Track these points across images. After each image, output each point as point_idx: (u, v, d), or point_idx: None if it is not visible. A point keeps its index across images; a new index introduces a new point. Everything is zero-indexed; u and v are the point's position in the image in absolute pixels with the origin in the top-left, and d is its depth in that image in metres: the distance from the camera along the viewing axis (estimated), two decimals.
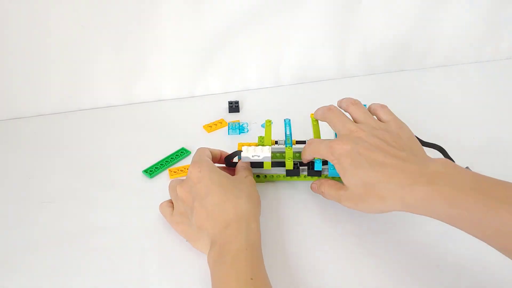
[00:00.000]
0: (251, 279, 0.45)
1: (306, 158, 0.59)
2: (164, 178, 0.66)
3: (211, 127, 0.76)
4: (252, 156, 0.58)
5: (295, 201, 0.61)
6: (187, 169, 0.65)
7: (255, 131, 0.75)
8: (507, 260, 0.51)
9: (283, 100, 0.84)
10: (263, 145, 0.61)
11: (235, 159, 0.62)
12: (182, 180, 0.56)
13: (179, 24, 0.78)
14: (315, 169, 0.60)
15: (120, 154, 0.71)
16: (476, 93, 0.85)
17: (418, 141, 0.54)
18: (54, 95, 0.79)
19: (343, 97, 0.61)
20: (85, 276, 0.52)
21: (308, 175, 0.62)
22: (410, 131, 0.55)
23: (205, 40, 0.80)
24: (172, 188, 0.58)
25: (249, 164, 0.61)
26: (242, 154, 0.59)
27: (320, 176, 0.61)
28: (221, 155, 0.62)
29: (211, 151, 0.60)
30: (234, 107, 0.80)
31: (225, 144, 0.73)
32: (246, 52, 0.83)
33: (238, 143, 0.66)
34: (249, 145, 0.63)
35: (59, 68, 0.77)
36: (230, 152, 0.62)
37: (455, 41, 0.92)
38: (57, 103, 0.79)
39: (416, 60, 0.92)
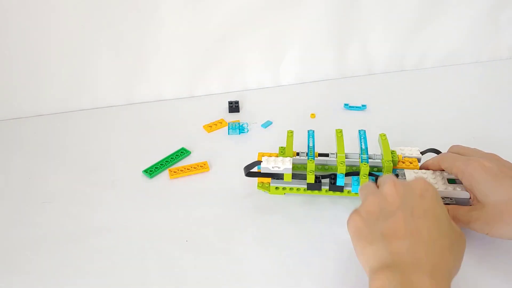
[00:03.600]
0: None
1: (431, 166, 0.57)
2: (164, 178, 0.66)
3: (211, 127, 0.76)
4: (272, 167, 0.57)
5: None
6: (187, 169, 0.66)
7: (255, 131, 0.75)
8: (507, 259, 0.51)
9: (283, 100, 0.84)
10: (284, 156, 0.59)
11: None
12: (398, 179, 0.48)
13: (179, 24, 0.78)
14: (337, 184, 0.58)
15: (120, 154, 0.71)
16: (476, 93, 0.85)
17: None
18: (54, 95, 0.79)
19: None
20: (85, 276, 0.52)
21: (330, 189, 0.59)
22: None
23: (205, 40, 0.80)
24: (383, 181, 0.48)
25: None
26: (262, 165, 0.57)
27: (342, 191, 0.59)
28: None
29: None
30: (234, 107, 0.80)
31: (225, 144, 0.73)
32: (246, 52, 0.83)
33: (259, 153, 0.61)
34: (270, 155, 0.60)
35: (59, 68, 0.77)
36: (251, 160, 0.59)
37: (455, 41, 0.92)
38: (57, 103, 0.79)
39: (416, 60, 0.92)
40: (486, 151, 0.56)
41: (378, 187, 0.49)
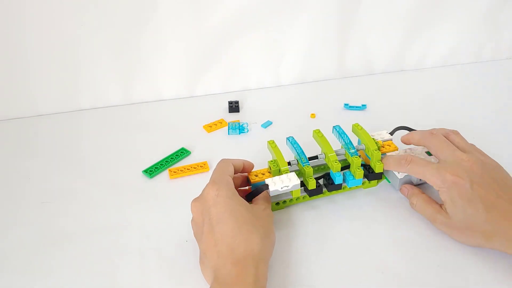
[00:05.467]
0: None
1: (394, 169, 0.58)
2: (164, 178, 0.66)
3: (211, 127, 0.76)
4: (282, 188, 0.54)
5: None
6: (187, 169, 0.66)
7: (255, 131, 0.75)
8: (507, 259, 0.51)
9: (283, 100, 0.84)
10: (278, 170, 0.57)
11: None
12: (199, 194, 0.52)
13: (179, 24, 0.78)
14: (336, 183, 0.58)
15: (120, 154, 0.71)
16: (476, 93, 0.85)
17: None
18: (54, 95, 0.79)
19: (435, 128, 0.60)
20: (85, 276, 0.52)
21: (329, 190, 0.59)
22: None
23: (205, 40, 0.80)
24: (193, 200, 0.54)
25: (268, 193, 0.55)
26: (270, 188, 0.54)
27: (341, 189, 0.59)
28: (243, 166, 0.57)
29: (234, 164, 0.55)
30: (234, 107, 0.80)
31: (225, 144, 0.73)
32: (246, 52, 0.83)
33: (249, 174, 0.58)
34: (262, 173, 0.58)
35: (59, 68, 0.77)
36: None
37: (455, 41, 0.92)
38: (57, 103, 0.79)
39: (416, 60, 0.92)
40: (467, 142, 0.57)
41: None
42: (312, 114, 0.78)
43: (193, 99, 0.84)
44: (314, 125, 0.76)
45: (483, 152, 0.57)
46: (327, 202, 0.61)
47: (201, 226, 0.50)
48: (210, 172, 0.66)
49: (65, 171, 0.67)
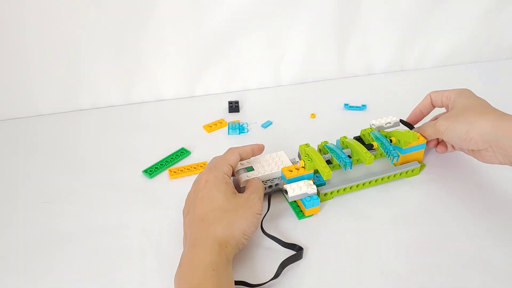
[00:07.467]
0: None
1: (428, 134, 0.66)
2: (164, 178, 0.66)
3: (211, 127, 0.76)
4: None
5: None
6: (187, 169, 0.66)
7: (255, 131, 0.75)
8: (507, 259, 0.52)
9: (283, 100, 0.84)
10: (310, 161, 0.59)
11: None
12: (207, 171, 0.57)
13: (179, 24, 0.78)
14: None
15: (120, 154, 0.71)
16: (476, 93, 0.85)
17: None
18: (54, 95, 0.79)
19: None
20: (85, 276, 0.52)
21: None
22: None
23: (205, 40, 0.80)
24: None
25: (261, 185, 0.57)
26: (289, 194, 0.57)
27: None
28: (253, 151, 0.61)
29: (241, 152, 0.59)
30: (234, 107, 0.80)
31: (225, 144, 0.73)
32: (246, 52, 0.83)
33: (284, 169, 0.60)
34: (295, 167, 0.59)
35: (59, 68, 0.77)
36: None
37: (455, 41, 0.92)
38: (57, 103, 0.79)
39: (416, 60, 0.92)
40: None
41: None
42: (312, 114, 0.79)
43: (193, 99, 0.84)
44: (314, 125, 0.77)
45: None
46: (329, 203, 0.61)
47: (192, 202, 0.55)
48: None
49: (65, 171, 0.67)
